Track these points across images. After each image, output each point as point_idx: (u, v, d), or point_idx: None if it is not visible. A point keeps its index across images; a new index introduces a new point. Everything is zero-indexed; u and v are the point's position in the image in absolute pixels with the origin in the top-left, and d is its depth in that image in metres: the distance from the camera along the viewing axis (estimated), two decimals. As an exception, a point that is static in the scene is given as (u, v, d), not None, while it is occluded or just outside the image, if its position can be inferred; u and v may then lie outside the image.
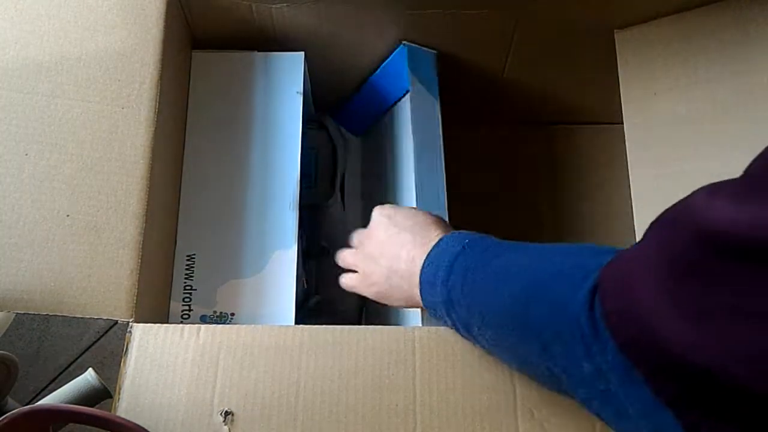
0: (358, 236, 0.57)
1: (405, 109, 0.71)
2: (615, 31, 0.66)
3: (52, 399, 0.55)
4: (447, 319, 0.46)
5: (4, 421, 0.40)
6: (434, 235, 0.49)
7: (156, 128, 0.53)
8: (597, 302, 0.32)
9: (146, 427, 0.45)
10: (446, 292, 0.45)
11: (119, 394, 0.47)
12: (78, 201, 0.50)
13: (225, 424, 0.47)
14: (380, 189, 0.76)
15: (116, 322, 1.07)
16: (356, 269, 0.55)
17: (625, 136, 0.63)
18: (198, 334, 0.49)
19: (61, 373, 1.05)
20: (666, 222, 0.29)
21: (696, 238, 0.26)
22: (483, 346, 0.46)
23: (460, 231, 0.49)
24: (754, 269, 0.23)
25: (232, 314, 0.60)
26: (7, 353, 0.62)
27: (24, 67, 0.52)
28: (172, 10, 0.58)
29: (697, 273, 0.26)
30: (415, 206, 0.65)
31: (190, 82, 0.66)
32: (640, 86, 0.62)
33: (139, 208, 0.51)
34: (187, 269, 0.62)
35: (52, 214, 0.49)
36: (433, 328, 0.50)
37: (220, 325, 0.50)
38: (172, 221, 0.62)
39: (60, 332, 1.07)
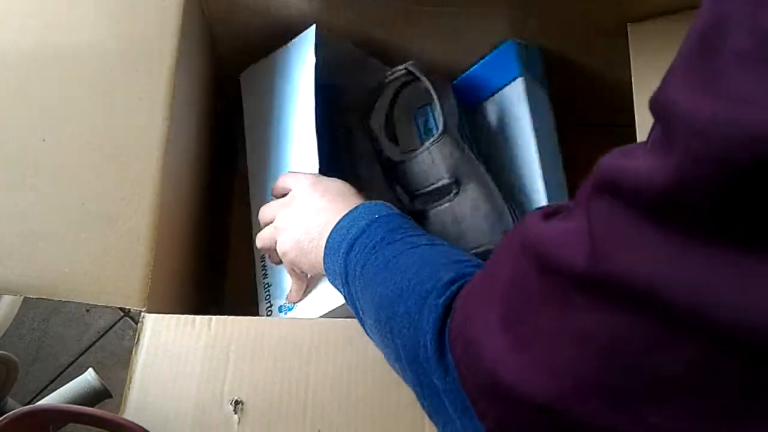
0: (273, 209, 0.56)
1: (515, 93, 0.69)
2: (628, 24, 0.66)
3: (52, 399, 0.55)
4: (342, 290, 0.46)
5: (4, 421, 0.41)
6: (353, 205, 0.48)
7: (172, 119, 0.54)
8: (447, 327, 0.32)
9: (155, 418, 0.46)
10: (344, 266, 0.44)
11: (130, 383, 0.48)
12: (93, 189, 0.50)
13: (235, 414, 0.47)
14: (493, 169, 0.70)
15: (116, 322, 1.08)
16: (274, 243, 0.55)
17: (636, 130, 0.63)
18: (209, 325, 0.49)
19: (61, 373, 1.05)
20: (508, 242, 0.29)
21: (526, 257, 0.26)
22: (366, 332, 0.45)
23: (377, 202, 0.48)
24: (566, 289, 0.23)
25: (292, 305, 0.61)
26: (7, 353, 0.62)
27: (43, 56, 0.52)
28: (190, 2, 0.58)
29: (525, 296, 0.26)
30: (541, 190, 0.64)
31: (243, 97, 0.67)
32: (653, 80, 0.62)
33: (153, 199, 0.51)
34: (262, 268, 0.64)
35: (67, 201, 0.49)
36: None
37: (231, 317, 0.50)
38: (188, 212, 0.62)
39: (60, 332, 1.07)
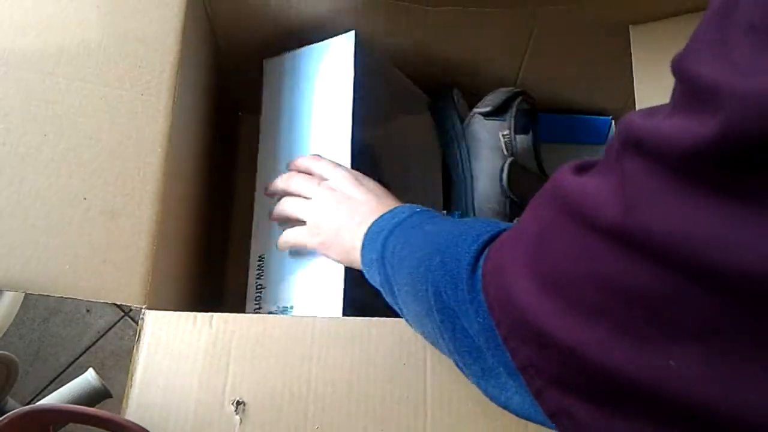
0: (311, 187, 0.58)
1: None
2: (630, 26, 0.66)
3: (52, 399, 0.55)
4: (377, 276, 0.48)
5: (4, 421, 0.40)
6: (392, 205, 0.53)
7: (174, 116, 0.54)
8: (479, 264, 0.34)
9: (156, 415, 0.45)
10: (381, 250, 0.47)
11: (131, 380, 0.47)
12: (95, 185, 0.50)
13: (236, 414, 0.47)
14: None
15: (116, 323, 1.08)
16: (304, 218, 0.57)
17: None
18: (210, 322, 0.49)
19: (61, 373, 1.05)
20: (538, 196, 0.31)
21: (557, 208, 0.28)
22: (400, 311, 0.47)
23: (413, 204, 0.52)
24: (597, 238, 0.25)
25: (291, 307, 0.61)
26: (7, 353, 0.62)
27: (45, 50, 0.52)
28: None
29: (555, 243, 0.28)
30: None
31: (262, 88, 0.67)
32: (655, 82, 0.62)
33: (155, 195, 0.51)
34: (258, 268, 0.64)
35: (68, 196, 0.49)
36: (446, 322, 0.50)
37: (233, 314, 0.50)
38: (190, 209, 0.62)
39: (60, 332, 1.07)
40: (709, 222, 0.20)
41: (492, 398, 0.37)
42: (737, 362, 0.21)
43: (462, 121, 0.74)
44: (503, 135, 0.72)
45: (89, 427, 0.45)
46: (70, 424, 0.48)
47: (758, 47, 0.19)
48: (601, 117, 0.84)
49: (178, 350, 0.48)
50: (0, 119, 0.50)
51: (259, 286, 0.64)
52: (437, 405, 0.48)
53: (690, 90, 0.22)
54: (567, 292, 0.26)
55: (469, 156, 0.73)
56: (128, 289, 0.49)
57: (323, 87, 0.66)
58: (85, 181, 0.50)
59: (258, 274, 0.64)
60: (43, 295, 0.47)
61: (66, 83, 0.52)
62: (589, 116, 0.84)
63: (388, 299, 0.48)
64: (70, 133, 0.51)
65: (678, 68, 0.22)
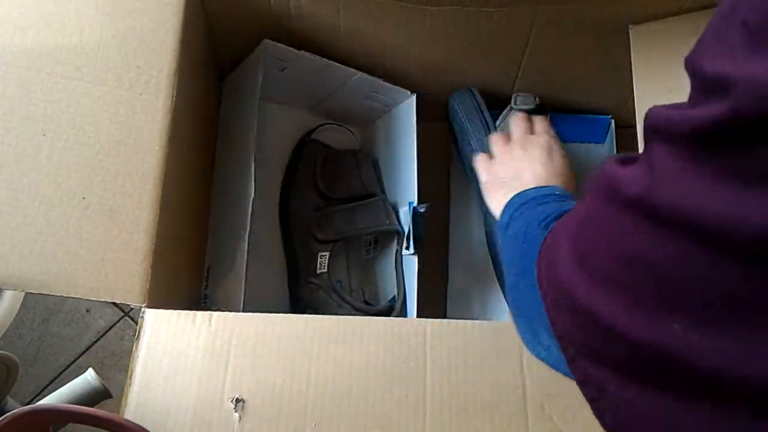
0: (522, 135, 0.70)
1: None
2: (630, 26, 0.66)
3: (52, 399, 0.55)
4: (508, 219, 0.53)
5: (4, 421, 0.40)
6: (556, 183, 0.61)
7: (173, 115, 0.54)
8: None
9: (156, 414, 0.45)
10: (509, 217, 0.53)
11: (131, 378, 0.47)
12: (94, 184, 0.50)
13: (236, 411, 0.47)
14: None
15: (116, 322, 1.08)
16: (496, 155, 0.69)
17: (637, 130, 0.63)
18: (210, 321, 0.49)
19: (61, 373, 1.05)
20: (590, 184, 0.34)
21: (600, 191, 0.31)
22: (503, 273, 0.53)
23: (557, 186, 0.59)
24: (633, 218, 0.27)
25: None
26: (7, 353, 0.62)
27: (44, 49, 0.52)
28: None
29: (593, 223, 0.31)
30: None
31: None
32: (655, 82, 0.62)
33: (154, 193, 0.51)
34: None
35: (68, 195, 0.49)
36: (445, 320, 0.50)
37: (233, 313, 0.50)
38: (189, 207, 0.62)
39: (60, 332, 1.07)
40: (720, 194, 0.23)
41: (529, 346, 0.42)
42: (756, 330, 0.23)
43: (483, 115, 0.77)
44: None
45: (89, 427, 0.45)
46: (70, 424, 0.48)
47: (752, 43, 0.22)
48: (601, 117, 0.84)
49: (177, 349, 0.48)
50: (-1, 118, 0.50)
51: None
52: (437, 405, 0.48)
53: (701, 83, 0.25)
54: (599, 268, 0.29)
55: None
56: (128, 287, 0.49)
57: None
58: (84, 180, 0.50)
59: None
60: (43, 294, 0.47)
61: (65, 82, 0.52)
62: (588, 116, 0.84)
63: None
64: (69, 133, 0.51)
65: (690, 65, 0.25)
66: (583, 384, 0.31)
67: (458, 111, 0.78)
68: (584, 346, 0.30)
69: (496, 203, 0.63)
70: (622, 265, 0.28)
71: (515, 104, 0.76)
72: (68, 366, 1.06)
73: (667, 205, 0.25)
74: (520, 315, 0.42)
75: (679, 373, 0.25)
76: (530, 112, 0.76)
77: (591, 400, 0.30)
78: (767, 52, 0.21)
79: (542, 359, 0.41)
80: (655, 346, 0.26)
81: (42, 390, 1.03)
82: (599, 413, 0.30)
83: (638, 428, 0.28)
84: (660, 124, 0.26)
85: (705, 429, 0.25)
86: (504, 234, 0.52)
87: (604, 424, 0.30)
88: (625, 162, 0.30)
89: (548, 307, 0.34)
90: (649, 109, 0.27)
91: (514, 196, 0.56)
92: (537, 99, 0.76)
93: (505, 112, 0.78)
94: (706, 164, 0.24)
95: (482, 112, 0.77)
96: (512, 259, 0.45)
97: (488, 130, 0.76)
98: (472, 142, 0.76)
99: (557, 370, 0.39)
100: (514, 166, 0.65)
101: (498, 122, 0.77)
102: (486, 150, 0.74)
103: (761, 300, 0.23)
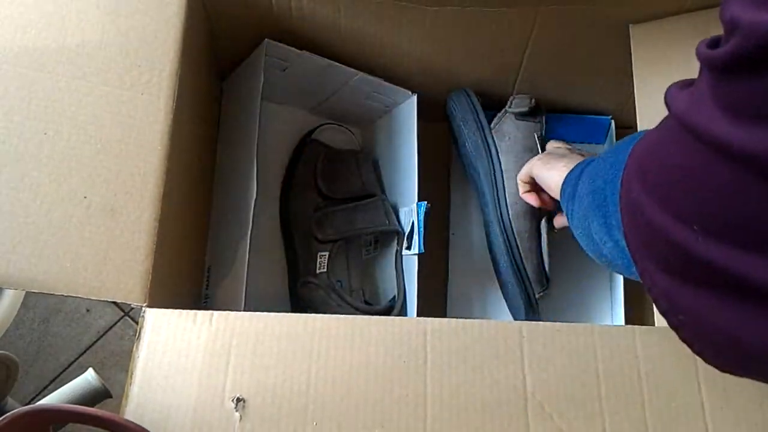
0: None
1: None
2: (630, 26, 0.66)
3: (52, 399, 0.55)
4: (566, 205, 0.55)
5: (4, 421, 0.40)
6: None
7: (174, 115, 0.54)
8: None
9: (156, 414, 0.45)
10: (576, 181, 0.54)
11: (131, 378, 0.47)
12: (95, 183, 0.50)
13: (236, 411, 0.47)
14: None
15: (117, 322, 1.08)
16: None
17: (637, 130, 0.63)
18: (211, 320, 0.49)
19: (61, 373, 1.05)
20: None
21: (668, 118, 0.35)
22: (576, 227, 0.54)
23: None
24: (687, 142, 0.31)
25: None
26: (7, 353, 0.62)
27: (45, 49, 0.52)
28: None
29: (658, 152, 0.35)
30: None
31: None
32: (655, 82, 0.62)
33: (156, 193, 0.51)
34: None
35: (69, 195, 0.49)
36: (445, 320, 0.50)
37: (233, 313, 0.50)
38: (190, 207, 0.62)
39: (60, 332, 1.07)
40: (720, 120, 0.28)
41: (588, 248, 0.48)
42: None
43: (478, 116, 0.77)
44: (537, 137, 0.76)
45: (89, 427, 0.45)
46: (70, 424, 0.48)
47: None
48: (601, 117, 0.84)
49: (178, 348, 0.48)
50: (0, 117, 0.50)
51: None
52: (437, 405, 0.48)
53: (725, 27, 0.29)
54: (660, 182, 0.34)
55: (497, 152, 0.75)
56: (128, 287, 0.49)
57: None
58: (85, 179, 0.50)
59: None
60: (44, 293, 0.47)
61: (66, 82, 0.52)
62: (588, 116, 0.84)
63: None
64: (71, 132, 0.51)
65: (721, 13, 0.29)
66: (650, 290, 0.36)
67: (454, 112, 0.78)
68: (657, 262, 0.35)
69: (557, 171, 0.62)
70: (676, 181, 0.32)
71: (510, 107, 0.76)
72: (68, 366, 1.06)
73: (694, 124, 0.30)
74: (598, 208, 0.45)
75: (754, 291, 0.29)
76: (526, 114, 0.76)
77: (664, 313, 0.35)
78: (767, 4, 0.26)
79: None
80: (692, 254, 0.30)
81: (42, 390, 1.03)
82: (674, 326, 0.35)
83: (710, 337, 0.32)
84: (700, 59, 0.31)
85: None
86: (579, 178, 0.54)
87: (681, 338, 0.35)
88: (683, 86, 0.35)
89: (624, 222, 0.38)
90: (699, 49, 0.32)
91: (573, 169, 0.58)
92: (533, 101, 0.76)
93: (500, 114, 0.77)
94: (717, 92, 0.29)
95: (477, 113, 0.77)
96: (598, 171, 0.48)
97: (483, 132, 0.75)
98: (467, 144, 0.76)
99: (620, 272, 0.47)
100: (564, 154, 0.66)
101: (493, 124, 0.77)
102: (480, 150, 0.74)
103: None
